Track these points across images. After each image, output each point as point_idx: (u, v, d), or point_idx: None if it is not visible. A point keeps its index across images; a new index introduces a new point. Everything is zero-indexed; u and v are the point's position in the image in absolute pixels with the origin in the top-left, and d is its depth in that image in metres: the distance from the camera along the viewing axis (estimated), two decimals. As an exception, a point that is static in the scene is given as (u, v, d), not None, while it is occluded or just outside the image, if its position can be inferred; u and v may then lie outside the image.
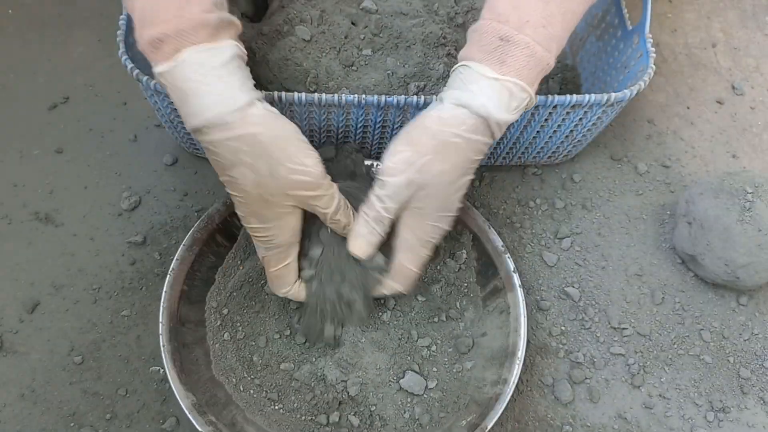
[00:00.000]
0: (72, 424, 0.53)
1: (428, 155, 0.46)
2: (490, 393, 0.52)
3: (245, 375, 0.54)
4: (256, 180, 0.44)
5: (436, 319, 0.57)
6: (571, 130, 0.60)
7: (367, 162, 0.58)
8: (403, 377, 0.54)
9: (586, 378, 0.58)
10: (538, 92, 0.60)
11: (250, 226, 0.48)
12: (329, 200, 0.47)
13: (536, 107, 0.55)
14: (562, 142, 0.63)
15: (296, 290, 0.52)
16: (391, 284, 0.52)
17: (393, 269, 0.51)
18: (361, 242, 0.50)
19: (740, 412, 0.58)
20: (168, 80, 0.43)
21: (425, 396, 0.54)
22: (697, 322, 0.62)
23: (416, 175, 0.46)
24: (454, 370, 0.55)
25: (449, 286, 0.59)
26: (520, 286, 0.55)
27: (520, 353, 0.53)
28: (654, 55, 0.58)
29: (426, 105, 0.53)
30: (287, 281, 0.51)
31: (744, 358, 0.61)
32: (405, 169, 0.47)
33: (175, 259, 0.54)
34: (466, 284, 0.59)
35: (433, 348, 0.56)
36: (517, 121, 0.58)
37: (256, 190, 0.45)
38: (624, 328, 0.61)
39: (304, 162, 0.45)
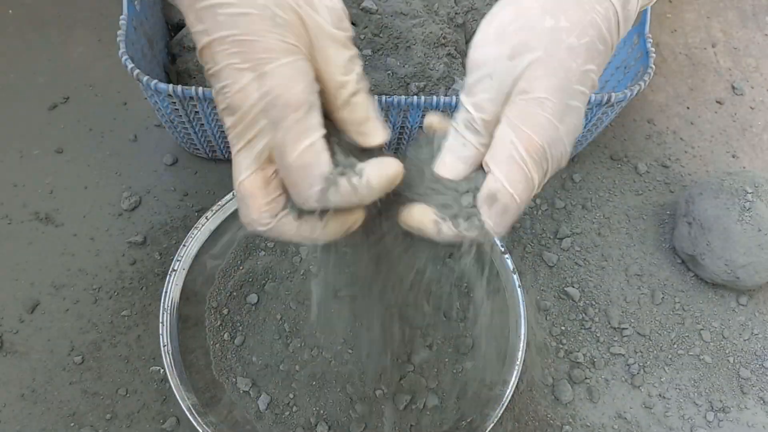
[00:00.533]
0: (72, 424, 0.53)
1: (532, 9, 0.33)
2: (490, 393, 0.52)
3: (245, 375, 0.54)
4: None
5: (436, 319, 0.57)
6: (571, 130, 0.61)
7: None
8: (403, 377, 0.54)
9: (586, 378, 0.58)
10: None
11: (239, 84, 0.31)
12: (352, 56, 0.33)
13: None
14: (562, 142, 0.63)
15: (345, 184, 0.33)
16: (483, 219, 0.34)
17: (482, 193, 0.34)
18: (449, 158, 0.35)
19: (740, 412, 0.58)
20: None
21: (425, 396, 0.54)
22: (697, 322, 0.62)
23: (514, 37, 0.33)
24: (454, 371, 0.55)
25: (449, 286, 0.59)
26: (520, 287, 0.55)
27: (520, 353, 0.53)
28: (654, 55, 0.58)
29: (426, 105, 0.53)
30: (318, 173, 0.32)
31: (744, 358, 0.61)
32: (498, 36, 0.33)
33: (175, 259, 0.55)
34: (465, 284, 0.59)
35: (434, 348, 0.56)
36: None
37: None
38: (624, 328, 0.61)
39: None
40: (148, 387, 0.55)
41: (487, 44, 0.34)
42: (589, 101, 0.54)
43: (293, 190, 0.33)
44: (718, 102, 0.78)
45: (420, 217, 0.36)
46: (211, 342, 0.55)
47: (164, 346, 0.51)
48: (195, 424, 0.48)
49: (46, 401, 0.53)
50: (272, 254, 0.59)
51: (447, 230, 0.35)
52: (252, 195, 0.33)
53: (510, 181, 0.33)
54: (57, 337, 0.56)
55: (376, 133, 0.34)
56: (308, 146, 0.32)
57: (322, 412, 0.53)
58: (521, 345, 0.53)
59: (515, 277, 0.56)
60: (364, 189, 0.33)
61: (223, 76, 0.32)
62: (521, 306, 0.55)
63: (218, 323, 0.55)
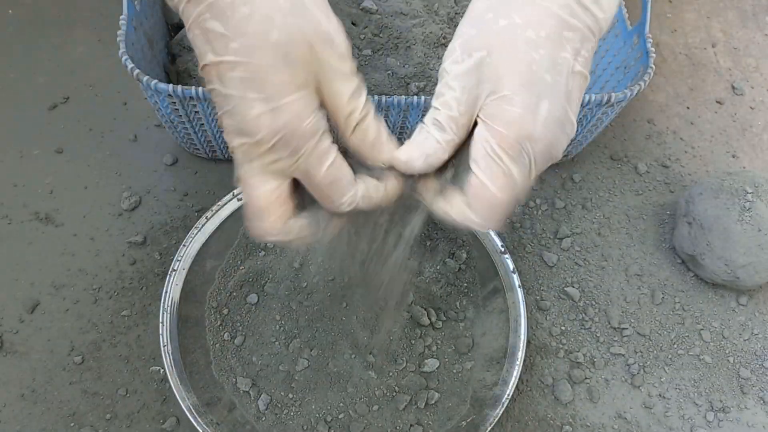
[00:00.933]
0: (72, 424, 0.53)
1: (487, 15, 0.35)
2: (490, 393, 0.52)
3: (245, 375, 0.54)
4: (277, 19, 0.32)
5: (435, 319, 0.57)
6: (571, 130, 0.60)
7: None
8: (403, 377, 0.54)
9: (586, 378, 0.58)
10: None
11: (252, 113, 0.33)
12: (357, 86, 0.35)
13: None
14: (562, 142, 0.63)
15: (366, 187, 0.37)
16: (466, 211, 0.37)
17: (468, 188, 0.36)
18: (410, 147, 0.37)
19: (740, 412, 0.58)
20: None
21: (425, 396, 0.54)
22: (697, 322, 0.62)
23: (474, 39, 0.35)
24: (454, 371, 0.55)
25: (449, 286, 0.59)
26: (519, 287, 0.55)
27: (520, 353, 0.53)
28: (654, 55, 0.58)
29: (426, 105, 0.53)
30: (346, 182, 0.36)
31: (744, 358, 0.61)
32: (461, 46, 0.36)
33: (175, 259, 0.54)
34: (466, 284, 0.59)
35: (434, 348, 0.56)
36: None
37: (277, 34, 0.32)
38: (624, 328, 0.61)
39: (335, 22, 0.35)
40: (148, 387, 0.55)
41: (452, 54, 0.36)
42: (589, 101, 0.54)
43: (326, 201, 0.37)
44: (718, 102, 0.78)
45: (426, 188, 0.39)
46: (211, 342, 0.55)
47: (164, 346, 0.51)
48: (195, 424, 0.48)
49: (46, 401, 0.53)
50: (272, 254, 0.59)
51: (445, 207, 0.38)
52: (266, 209, 0.36)
53: (489, 177, 0.35)
54: (57, 337, 0.56)
55: (390, 149, 0.37)
56: (330, 165, 0.35)
57: (322, 412, 0.53)
58: (521, 345, 0.53)
59: (515, 277, 0.56)
60: (382, 194, 0.38)
61: (233, 102, 0.33)
62: (521, 306, 0.55)
63: (218, 323, 0.55)
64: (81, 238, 0.61)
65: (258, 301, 0.57)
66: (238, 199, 0.58)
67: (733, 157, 0.74)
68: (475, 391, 0.54)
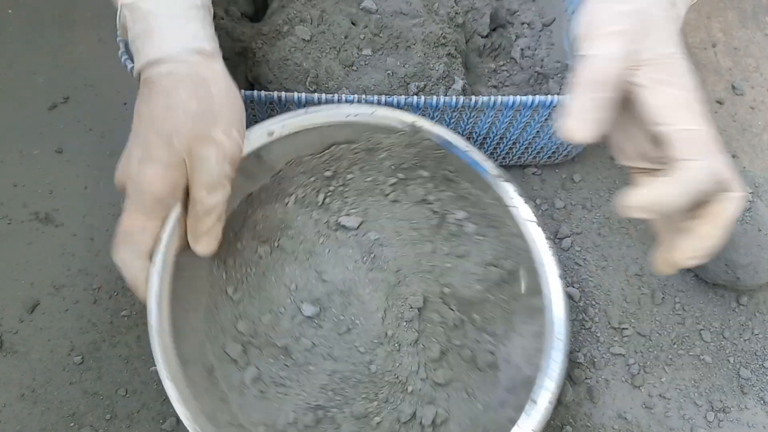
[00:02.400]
0: (72, 424, 0.53)
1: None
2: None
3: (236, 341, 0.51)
4: (191, 112, 0.43)
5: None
6: (571, 130, 0.60)
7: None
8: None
9: (586, 378, 0.58)
10: (538, 93, 0.60)
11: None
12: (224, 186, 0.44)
13: (536, 107, 0.55)
14: (562, 142, 0.63)
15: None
16: (685, 164, 0.35)
17: (672, 142, 0.35)
18: (573, 121, 0.35)
19: (740, 412, 0.58)
20: (133, 11, 0.44)
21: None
22: (697, 322, 0.62)
23: (623, 6, 0.37)
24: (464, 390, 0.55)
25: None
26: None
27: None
28: (654, 55, 0.58)
29: (426, 105, 0.53)
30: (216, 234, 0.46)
31: (744, 358, 0.61)
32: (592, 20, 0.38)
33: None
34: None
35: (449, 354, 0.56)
36: (517, 120, 0.58)
37: (189, 124, 0.43)
38: (624, 328, 0.61)
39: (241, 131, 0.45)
40: (148, 387, 0.55)
41: (591, 28, 0.39)
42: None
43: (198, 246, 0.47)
44: (718, 102, 0.78)
45: None
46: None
47: (164, 345, 0.50)
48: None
49: (46, 401, 0.53)
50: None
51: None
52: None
53: (694, 119, 0.37)
54: (57, 337, 0.56)
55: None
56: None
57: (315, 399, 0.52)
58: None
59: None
60: None
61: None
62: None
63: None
64: (81, 238, 0.61)
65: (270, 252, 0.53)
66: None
67: (733, 157, 0.74)
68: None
